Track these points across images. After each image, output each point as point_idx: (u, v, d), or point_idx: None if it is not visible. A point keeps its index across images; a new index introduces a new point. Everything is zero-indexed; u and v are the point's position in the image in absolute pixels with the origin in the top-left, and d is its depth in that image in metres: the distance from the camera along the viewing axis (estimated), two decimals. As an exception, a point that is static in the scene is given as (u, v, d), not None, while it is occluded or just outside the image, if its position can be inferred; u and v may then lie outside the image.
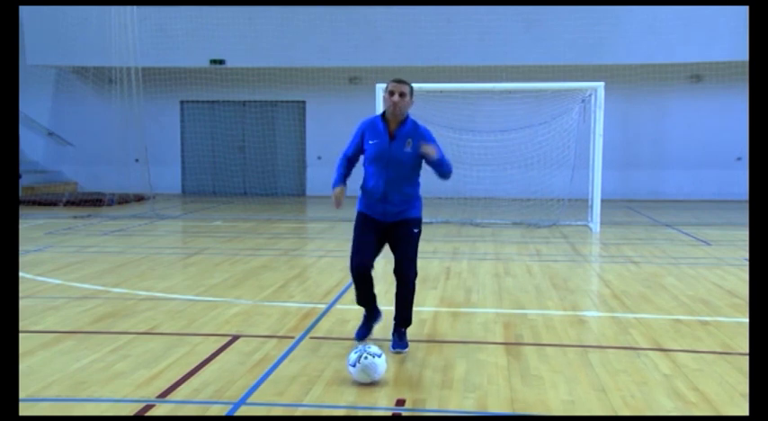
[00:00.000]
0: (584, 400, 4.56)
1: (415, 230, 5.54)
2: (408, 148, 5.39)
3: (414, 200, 5.56)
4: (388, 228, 5.53)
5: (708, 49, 17.45)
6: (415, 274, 5.59)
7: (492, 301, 7.31)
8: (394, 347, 5.48)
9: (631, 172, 19.14)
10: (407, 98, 5.41)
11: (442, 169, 5.43)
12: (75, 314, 6.70)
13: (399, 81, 5.44)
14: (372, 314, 5.76)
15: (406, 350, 5.52)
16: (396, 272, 5.57)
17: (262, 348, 5.60)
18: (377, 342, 5.40)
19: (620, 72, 17.91)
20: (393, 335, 5.62)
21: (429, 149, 5.31)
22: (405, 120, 5.47)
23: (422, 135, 5.44)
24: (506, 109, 15.67)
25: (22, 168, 17.45)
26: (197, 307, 6.98)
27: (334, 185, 5.55)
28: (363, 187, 5.56)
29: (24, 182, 17.96)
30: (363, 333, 5.76)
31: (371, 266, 5.52)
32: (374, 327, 5.81)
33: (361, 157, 5.61)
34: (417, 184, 5.58)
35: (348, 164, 5.65)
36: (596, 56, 17.72)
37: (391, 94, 5.37)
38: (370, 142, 5.45)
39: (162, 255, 10.24)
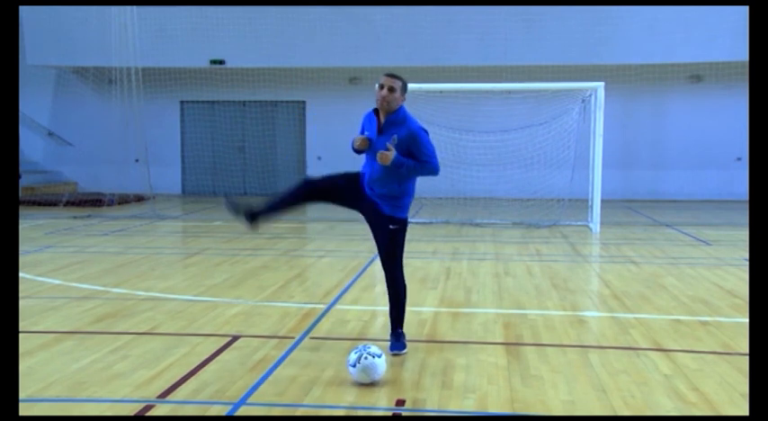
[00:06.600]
0: (584, 400, 4.56)
1: (391, 226, 5.35)
2: (392, 145, 5.23)
3: (399, 200, 5.35)
4: (368, 204, 5.37)
5: (708, 49, 17.44)
6: (395, 273, 5.45)
7: (492, 301, 7.31)
8: (391, 349, 5.46)
9: (631, 172, 19.13)
10: (397, 93, 5.26)
11: (402, 172, 5.21)
12: (76, 314, 6.70)
13: (392, 75, 5.32)
14: (268, 207, 5.43)
15: (404, 351, 5.48)
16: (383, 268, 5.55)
17: (262, 348, 5.60)
18: (376, 342, 5.38)
19: (620, 72, 17.91)
20: (390, 336, 5.61)
21: (381, 157, 5.15)
22: (395, 113, 5.32)
23: (409, 131, 5.24)
24: (506, 109, 15.66)
25: (22, 168, 17.43)
26: (197, 307, 6.98)
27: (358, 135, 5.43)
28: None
29: (24, 182, 17.94)
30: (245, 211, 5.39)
31: (316, 188, 5.42)
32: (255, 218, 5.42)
33: None
34: (407, 182, 5.34)
35: None
36: (596, 56, 17.70)
37: (381, 87, 5.28)
38: (366, 133, 5.42)
39: (162, 255, 10.23)
